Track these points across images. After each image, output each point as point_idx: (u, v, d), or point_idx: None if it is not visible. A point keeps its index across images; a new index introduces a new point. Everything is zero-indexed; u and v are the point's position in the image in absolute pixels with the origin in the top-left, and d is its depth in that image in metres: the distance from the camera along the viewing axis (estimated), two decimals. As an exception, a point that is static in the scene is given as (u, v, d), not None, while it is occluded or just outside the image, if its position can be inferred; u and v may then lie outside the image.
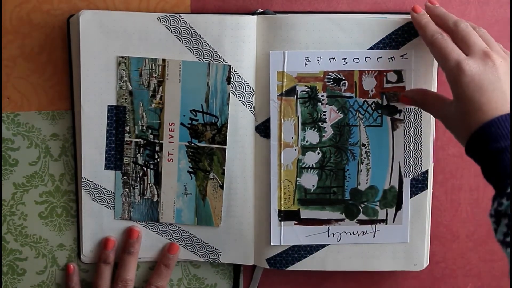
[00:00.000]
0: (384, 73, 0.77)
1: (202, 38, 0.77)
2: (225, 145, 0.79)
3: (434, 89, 0.78)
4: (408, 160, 0.78)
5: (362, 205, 0.79)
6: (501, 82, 0.65)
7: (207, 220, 0.80)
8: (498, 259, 0.85)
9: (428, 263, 0.81)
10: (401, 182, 0.79)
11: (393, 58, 0.77)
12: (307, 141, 0.79)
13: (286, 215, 0.80)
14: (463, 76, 0.66)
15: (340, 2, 0.79)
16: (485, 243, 0.84)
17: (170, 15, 0.77)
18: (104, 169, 0.80)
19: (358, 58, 0.77)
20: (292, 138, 0.79)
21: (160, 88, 0.78)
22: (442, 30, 0.71)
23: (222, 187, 0.80)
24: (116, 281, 0.81)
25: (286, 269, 0.81)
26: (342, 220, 0.80)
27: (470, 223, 0.84)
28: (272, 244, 0.80)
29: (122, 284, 0.80)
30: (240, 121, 0.79)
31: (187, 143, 0.79)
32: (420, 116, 0.78)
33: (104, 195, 0.80)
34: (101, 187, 0.80)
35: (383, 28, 0.76)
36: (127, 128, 0.79)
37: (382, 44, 0.76)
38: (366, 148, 0.78)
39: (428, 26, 0.72)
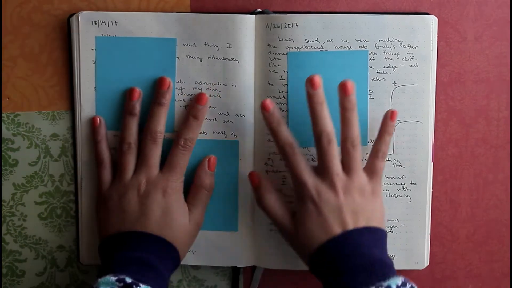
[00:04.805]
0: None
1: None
2: (225, 144, 0.77)
3: (433, 91, 0.75)
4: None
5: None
6: (342, 210, 0.69)
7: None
8: (498, 260, 0.82)
9: (428, 262, 0.78)
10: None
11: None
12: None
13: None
14: (309, 202, 0.70)
15: (339, 2, 0.77)
16: (485, 244, 0.82)
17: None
18: (104, 169, 0.77)
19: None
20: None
21: (160, 87, 0.76)
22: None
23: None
24: (145, 133, 0.74)
25: (287, 268, 0.79)
26: None
27: (470, 224, 0.81)
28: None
29: (151, 136, 0.74)
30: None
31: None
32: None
33: (104, 195, 0.77)
34: (100, 187, 0.77)
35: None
36: (126, 128, 0.76)
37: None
38: None
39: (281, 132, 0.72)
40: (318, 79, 0.70)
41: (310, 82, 0.70)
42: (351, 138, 0.71)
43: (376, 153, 0.73)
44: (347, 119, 0.71)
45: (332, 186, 0.70)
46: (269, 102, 0.71)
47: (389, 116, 0.73)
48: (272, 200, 0.73)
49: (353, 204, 0.70)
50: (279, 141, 0.71)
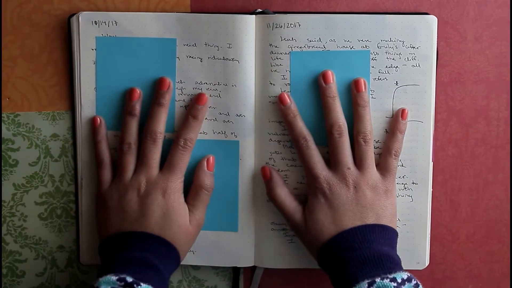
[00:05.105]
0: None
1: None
2: (225, 144, 0.76)
3: (433, 94, 0.75)
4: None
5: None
6: (353, 204, 0.71)
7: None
8: (498, 260, 0.82)
9: (428, 262, 0.78)
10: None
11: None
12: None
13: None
14: (320, 195, 0.72)
15: (339, 2, 0.76)
16: (485, 244, 0.81)
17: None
18: (104, 169, 0.77)
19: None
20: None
21: (160, 88, 0.75)
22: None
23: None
24: (145, 134, 0.74)
25: (287, 268, 0.78)
26: None
27: (470, 224, 0.81)
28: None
29: (151, 136, 0.73)
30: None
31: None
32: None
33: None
34: (100, 187, 0.76)
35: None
36: (127, 128, 0.76)
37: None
38: None
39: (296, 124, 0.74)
40: (331, 74, 0.72)
41: (323, 77, 0.72)
42: (364, 133, 0.72)
43: (389, 151, 0.73)
44: (360, 115, 0.72)
45: (343, 179, 0.71)
46: (286, 96, 0.73)
47: (400, 114, 0.74)
48: (283, 194, 0.74)
49: (364, 200, 0.71)
50: (294, 133, 0.73)
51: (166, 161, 0.73)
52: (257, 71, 0.74)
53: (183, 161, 0.73)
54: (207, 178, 0.74)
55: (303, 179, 0.75)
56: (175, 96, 0.75)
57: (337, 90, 0.73)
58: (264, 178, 0.75)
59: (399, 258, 0.69)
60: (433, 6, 0.76)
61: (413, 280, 0.65)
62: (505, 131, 0.79)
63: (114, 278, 0.64)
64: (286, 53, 0.74)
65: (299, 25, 0.73)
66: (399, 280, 0.64)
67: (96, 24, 0.74)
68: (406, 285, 0.64)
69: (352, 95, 0.73)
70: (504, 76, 0.78)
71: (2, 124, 0.77)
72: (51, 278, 0.80)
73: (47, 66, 0.77)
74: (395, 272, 0.65)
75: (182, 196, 0.73)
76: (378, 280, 0.64)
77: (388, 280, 0.64)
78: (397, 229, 0.74)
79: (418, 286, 0.65)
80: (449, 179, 0.80)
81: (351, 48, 0.73)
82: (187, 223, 0.73)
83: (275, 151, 0.75)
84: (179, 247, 0.72)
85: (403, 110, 0.74)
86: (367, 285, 0.64)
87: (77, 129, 0.76)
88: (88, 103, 0.76)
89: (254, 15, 0.74)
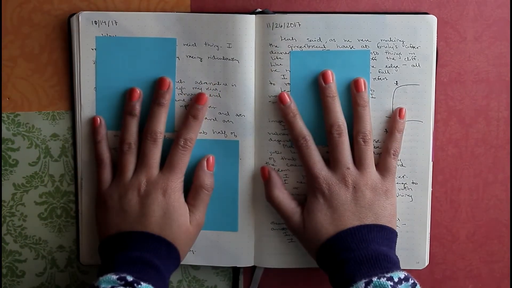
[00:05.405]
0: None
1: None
2: (225, 144, 0.76)
3: (433, 93, 0.74)
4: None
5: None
6: (351, 205, 0.71)
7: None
8: (498, 260, 0.81)
9: (428, 262, 0.78)
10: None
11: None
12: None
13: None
14: (319, 195, 0.71)
15: (339, 2, 0.76)
16: (485, 244, 0.81)
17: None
18: (104, 169, 0.76)
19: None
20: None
21: (160, 87, 0.75)
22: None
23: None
24: (145, 134, 0.73)
25: (287, 267, 0.78)
26: None
27: (470, 224, 0.80)
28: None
29: (151, 136, 0.73)
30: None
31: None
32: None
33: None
34: (100, 187, 0.76)
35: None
36: (127, 128, 0.76)
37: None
38: None
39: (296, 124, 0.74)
40: (331, 74, 0.72)
41: (322, 76, 0.72)
42: (363, 133, 0.72)
43: (388, 151, 0.73)
44: (359, 115, 0.72)
45: (342, 179, 0.71)
46: (286, 95, 0.73)
47: (397, 114, 0.74)
48: (281, 195, 0.74)
49: (363, 200, 0.71)
50: (293, 133, 0.73)
51: (166, 161, 0.73)
52: (257, 70, 0.74)
53: (183, 160, 0.73)
54: (207, 178, 0.74)
55: (303, 178, 0.75)
56: (175, 96, 0.75)
57: (336, 90, 0.73)
58: (263, 179, 0.75)
59: (398, 258, 0.69)
60: (433, 6, 0.76)
61: (410, 279, 0.65)
62: (505, 131, 0.79)
63: (114, 277, 0.64)
64: (286, 53, 0.73)
65: (299, 25, 0.73)
66: (396, 279, 0.64)
67: (96, 24, 0.74)
68: (403, 284, 0.64)
69: (352, 95, 0.73)
70: (504, 76, 0.78)
71: (2, 124, 0.77)
72: (51, 278, 0.80)
73: (47, 66, 0.76)
74: (392, 271, 0.65)
75: (182, 195, 0.73)
76: (375, 279, 0.64)
77: (385, 279, 0.64)
78: (397, 229, 0.73)
79: (416, 285, 0.65)
80: (449, 179, 0.79)
81: (351, 48, 0.73)
82: (187, 223, 0.73)
83: (275, 151, 0.75)
84: (179, 247, 0.72)
85: (400, 109, 0.74)
86: (364, 284, 0.64)
87: (77, 129, 0.76)
88: (88, 103, 0.75)
89: (254, 15, 0.74)
